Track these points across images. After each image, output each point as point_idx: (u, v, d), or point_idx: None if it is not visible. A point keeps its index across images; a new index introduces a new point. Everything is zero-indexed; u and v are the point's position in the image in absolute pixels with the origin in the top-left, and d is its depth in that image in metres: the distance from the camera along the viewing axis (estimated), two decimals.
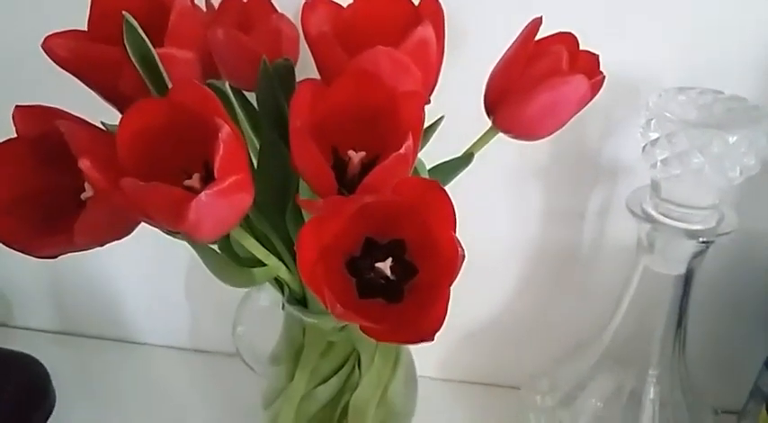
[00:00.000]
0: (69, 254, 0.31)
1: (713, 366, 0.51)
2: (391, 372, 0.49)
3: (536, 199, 0.50)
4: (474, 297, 0.55)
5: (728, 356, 0.52)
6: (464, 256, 0.27)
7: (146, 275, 0.59)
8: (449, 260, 0.28)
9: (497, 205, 0.51)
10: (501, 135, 0.37)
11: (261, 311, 0.50)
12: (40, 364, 0.51)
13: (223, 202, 0.27)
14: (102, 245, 0.32)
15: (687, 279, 0.42)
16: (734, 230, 0.40)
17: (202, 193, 0.26)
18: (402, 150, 0.28)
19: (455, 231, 0.28)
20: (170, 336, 0.61)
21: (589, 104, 0.36)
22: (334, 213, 0.28)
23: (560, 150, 0.48)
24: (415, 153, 0.30)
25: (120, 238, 0.32)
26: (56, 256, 0.31)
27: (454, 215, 0.28)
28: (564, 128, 0.41)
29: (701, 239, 0.39)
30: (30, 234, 0.31)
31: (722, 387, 0.50)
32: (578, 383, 0.47)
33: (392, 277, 0.30)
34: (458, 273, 0.27)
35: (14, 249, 0.31)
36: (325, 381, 0.48)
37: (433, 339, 0.26)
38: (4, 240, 0.31)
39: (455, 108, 0.38)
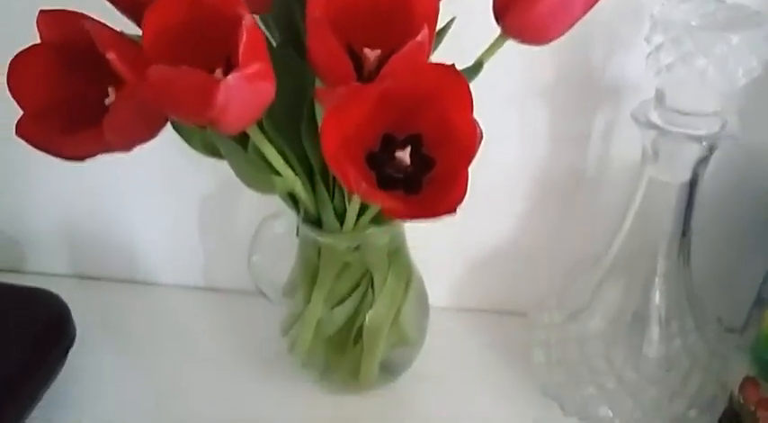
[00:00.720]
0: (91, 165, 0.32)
1: (716, 283, 0.52)
2: (403, 293, 0.50)
3: (542, 122, 0.51)
4: (482, 224, 0.56)
5: (731, 273, 0.54)
6: (482, 135, 0.28)
7: (158, 215, 0.60)
8: (467, 142, 0.29)
9: (503, 130, 0.51)
10: (506, 59, 0.38)
11: (276, 240, 0.51)
12: (59, 298, 0.52)
13: (249, 87, 0.28)
14: (129, 148, 0.32)
15: (691, 187, 0.43)
16: (737, 135, 0.41)
17: (230, 75, 0.27)
18: (419, 38, 0.29)
19: (472, 113, 0.29)
20: (184, 276, 0.62)
21: (593, 20, 0.37)
22: (354, 99, 0.29)
23: (565, 71, 0.49)
24: (431, 44, 0.30)
25: (147, 140, 0.33)
26: (84, 158, 0.32)
27: (471, 97, 0.29)
28: (568, 47, 0.42)
29: (704, 143, 0.40)
30: (57, 136, 0.32)
31: (725, 306, 0.51)
32: (586, 298, 0.48)
33: (410, 169, 0.31)
34: (476, 152, 0.28)
35: (43, 151, 0.32)
36: (340, 302, 0.49)
37: (455, 212, 0.27)
38: (32, 143, 0.31)
39: (464, 20, 0.39)
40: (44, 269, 0.63)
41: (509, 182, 0.54)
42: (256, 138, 0.35)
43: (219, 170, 0.56)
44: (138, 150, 0.56)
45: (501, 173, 0.53)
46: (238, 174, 0.36)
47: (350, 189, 0.29)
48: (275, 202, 0.48)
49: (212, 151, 0.38)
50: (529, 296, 0.55)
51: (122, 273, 0.63)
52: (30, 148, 0.57)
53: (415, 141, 0.32)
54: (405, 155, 0.30)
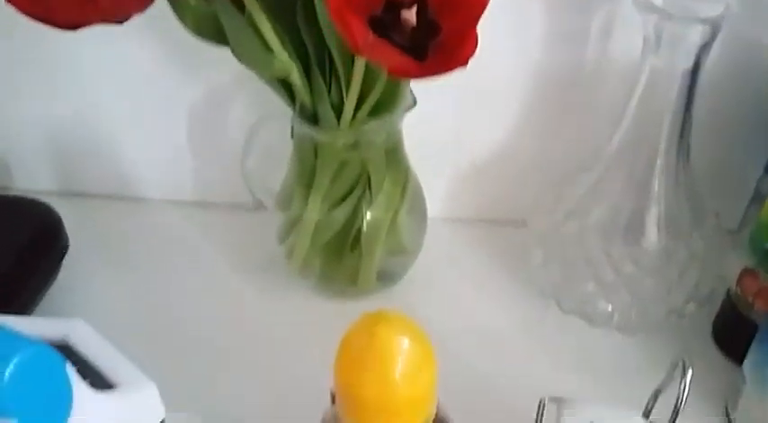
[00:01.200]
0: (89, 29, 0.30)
1: (714, 182, 0.51)
2: (401, 196, 0.50)
3: (538, 20, 0.50)
4: (477, 129, 0.55)
5: (730, 171, 0.53)
6: None
7: (146, 129, 0.59)
8: None
9: (497, 29, 0.50)
10: None
11: (269, 144, 0.50)
12: (50, 206, 0.51)
13: None
14: (124, 15, 0.31)
15: (693, 75, 0.43)
16: (740, 15, 0.40)
17: None
18: None
19: None
20: (175, 190, 0.62)
21: None
22: None
23: None
24: None
25: (142, 7, 0.31)
26: (78, 27, 0.31)
27: None
28: None
29: (707, 25, 0.40)
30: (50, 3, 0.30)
31: (722, 206, 0.51)
32: (585, 194, 0.48)
33: (415, 34, 0.30)
34: (486, 6, 0.28)
35: (35, 18, 0.30)
36: (337, 205, 0.48)
37: (466, 65, 0.27)
38: (23, 10, 0.30)
39: None
40: (30, 186, 0.62)
41: (505, 84, 0.53)
42: (253, 9, 0.34)
43: (210, 80, 0.56)
44: (125, 62, 0.55)
45: (496, 75, 0.52)
46: (236, 47, 0.35)
47: (354, 46, 0.28)
48: (267, 110, 0.47)
49: (204, 31, 0.37)
50: (526, 204, 0.54)
51: (111, 189, 0.62)
52: (12, 57, 0.56)
53: (420, 5, 0.31)
54: (411, 14, 0.30)
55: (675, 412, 0.29)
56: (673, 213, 0.46)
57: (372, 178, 0.48)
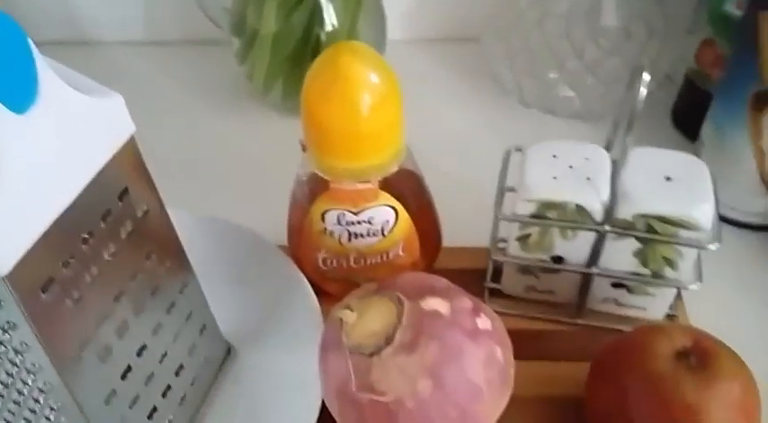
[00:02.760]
0: None
1: None
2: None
3: None
4: None
5: None
6: None
7: None
8: None
9: None
10: None
11: None
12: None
13: None
14: None
15: None
16: None
17: None
18: None
19: None
20: (126, 31, 0.60)
21: None
22: None
23: None
24: None
25: None
26: None
27: None
28: None
29: None
30: None
31: None
32: None
33: None
34: None
35: None
36: (293, 10, 0.48)
37: None
38: None
39: None
40: None
41: None
42: None
43: None
44: None
45: None
46: None
47: None
48: None
49: None
50: (485, 21, 0.54)
51: (60, 34, 0.60)
52: None
53: None
54: None
55: (631, 115, 0.30)
56: None
57: None
